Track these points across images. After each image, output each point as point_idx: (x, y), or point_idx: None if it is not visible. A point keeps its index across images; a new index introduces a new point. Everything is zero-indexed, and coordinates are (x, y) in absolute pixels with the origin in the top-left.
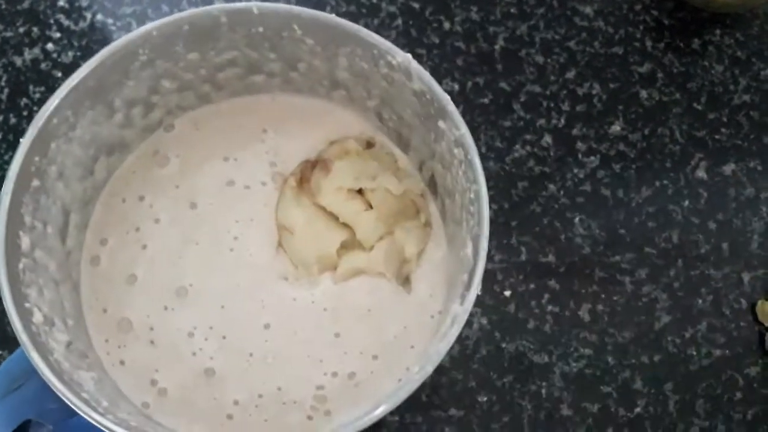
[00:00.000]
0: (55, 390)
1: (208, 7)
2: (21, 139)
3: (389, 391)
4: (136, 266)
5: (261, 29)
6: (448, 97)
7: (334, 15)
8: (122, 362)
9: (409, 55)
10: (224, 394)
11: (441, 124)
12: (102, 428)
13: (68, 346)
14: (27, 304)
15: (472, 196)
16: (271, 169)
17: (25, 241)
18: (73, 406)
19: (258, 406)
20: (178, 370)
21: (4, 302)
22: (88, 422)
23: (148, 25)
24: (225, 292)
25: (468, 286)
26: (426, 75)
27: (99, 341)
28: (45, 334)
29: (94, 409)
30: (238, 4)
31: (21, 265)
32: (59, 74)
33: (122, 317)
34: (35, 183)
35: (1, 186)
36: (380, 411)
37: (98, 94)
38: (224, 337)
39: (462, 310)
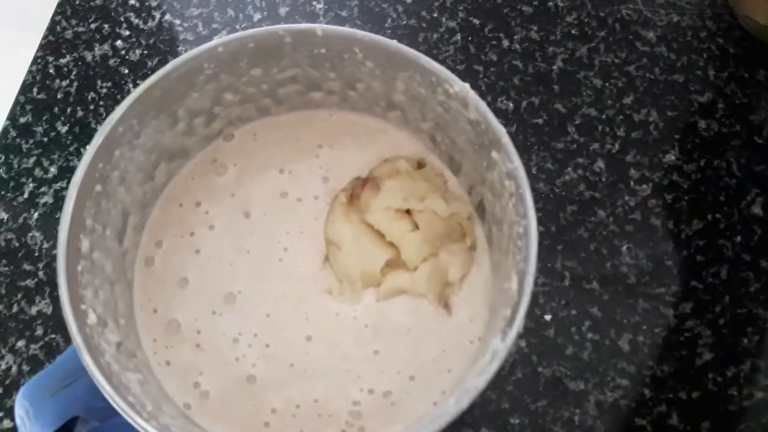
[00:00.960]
0: (103, 392)
1: (273, 27)
2: (87, 147)
3: (423, 413)
4: (188, 270)
5: (323, 50)
6: (504, 130)
7: (395, 41)
8: (168, 363)
9: (467, 85)
10: (263, 402)
11: (494, 154)
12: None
13: (119, 347)
14: (83, 306)
15: (521, 230)
16: (323, 184)
17: (84, 244)
18: (119, 410)
19: (295, 416)
20: (221, 374)
21: (61, 304)
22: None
23: (215, 41)
24: (271, 301)
25: (510, 322)
26: (483, 105)
27: (147, 341)
28: (98, 335)
29: (139, 414)
30: (302, 26)
31: (80, 267)
32: (126, 71)
33: (171, 319)
34: (98, 188)
35: (64, 181)
36: None
37: (163, 104)
38: (267, 346)
39: (503, 346)
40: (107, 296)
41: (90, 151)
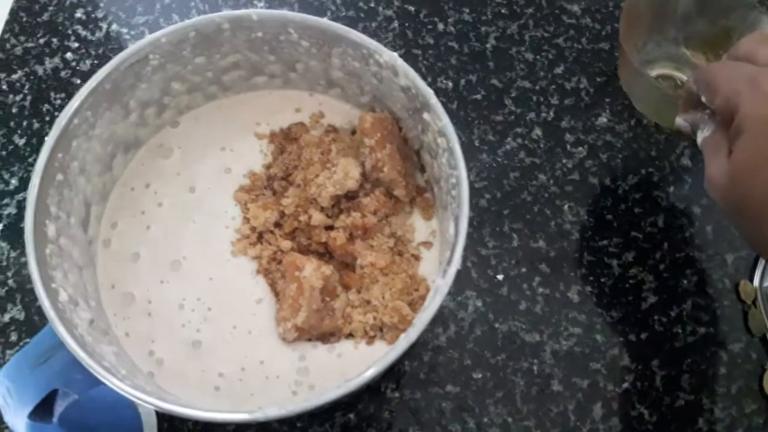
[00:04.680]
0: (79, 359)
1: (211, 15)
2: (45, 138)
3: (370, 362)
4: (140, 245)
5: (260, 33)
6: (431, 91)
7: (325, 19)
8: (128, 334)
9: (395, 54)
10: (210, 366)
11: (426, 116)
12: (122, 393)
13: (91, 324)
14: (53, 285)
15: (453, 180)
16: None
17: (51, 229)
18: (96, 374)
19: (242, 380)
20: (170, 341)
21: (32, 282)
22: (109, 391)
23: (158, 33)
24: (215, 264)
25: (449, 261)
26: (411, 71)
27: (109, 315)
28: (70, 311)
29: (115, 376)
30: (238, 12)
31: (48, 251)
32: (78, 81)
33: (127, 292)
34: (59, 177)
35: (26, 191)
36: (369, 373)
37: (114, 96)
38: (209, 309)
39: (444, 283)
40: (76, 279)
41: (49, 141)
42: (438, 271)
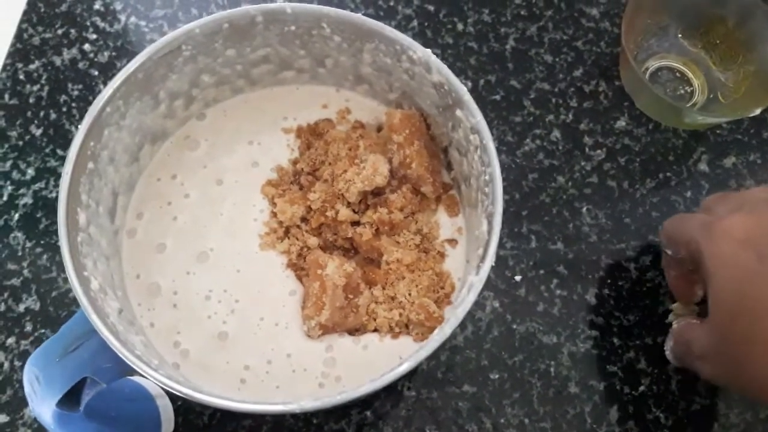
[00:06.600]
0: (112, 347)
1: (246, 7)
2: (79, 126)
3: (396, 355)
4: (166, 236)
5: (293, 27)
6: (465, 88)
7: (360, 14)
8: (152, 324)
9: (429, 50)
10: (236, 359)
11: (458, 113)
12: (156, 383)
13: (120, 313)
14: (85, 273)
15: (486, 178)
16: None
17: (82, 217)
18: (130, 363)
19: (268, 372)
20: (196, 332)
21: (65, 268)
22: (126, 383)
23: (192, 24)
24: (242, 257)
25: (483, 258)
26: (444, 68)
27: (134, 305)
28: (101, 300)
29: (147, 365)
30: (273, 5)
31: (79, 238)
32: (96, 73)
33: (152, 282)
34: (90, 165)
35: (42, 182)
36: (404, 368)
37: (146, 86)
38: (237, 301)
39: (477, 279)
40: (104, 269)
41: (82, 129)
42: (465, 269)
